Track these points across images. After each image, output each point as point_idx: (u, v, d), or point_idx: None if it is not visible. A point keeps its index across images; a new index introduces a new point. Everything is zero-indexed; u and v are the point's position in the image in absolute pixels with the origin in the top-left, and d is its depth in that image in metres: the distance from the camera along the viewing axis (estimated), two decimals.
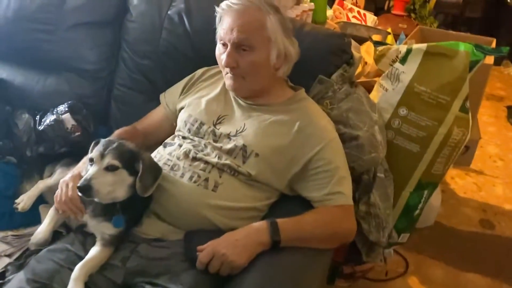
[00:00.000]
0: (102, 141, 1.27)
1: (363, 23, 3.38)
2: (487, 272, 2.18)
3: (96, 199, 1.22)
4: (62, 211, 1.28)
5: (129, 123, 1.58)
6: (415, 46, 1.58)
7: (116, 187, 1.22)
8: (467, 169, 2.98)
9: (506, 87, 4.38)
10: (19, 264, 1.25)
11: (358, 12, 3.50)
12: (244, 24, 1.31)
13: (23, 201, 1.41)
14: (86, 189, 1.16)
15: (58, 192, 1.29)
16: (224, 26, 1.33)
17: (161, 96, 1.61)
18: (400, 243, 1.77)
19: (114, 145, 1.24)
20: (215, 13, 1.39)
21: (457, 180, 2.90)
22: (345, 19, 3.39)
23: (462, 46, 1.53)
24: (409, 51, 1.58)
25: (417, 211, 1.71)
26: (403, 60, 1.59)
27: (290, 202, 1.39)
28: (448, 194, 2.73)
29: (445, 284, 2.11)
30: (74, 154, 1.55)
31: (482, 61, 1.57)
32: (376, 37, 2.57)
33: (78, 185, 1.18)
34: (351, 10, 3.51)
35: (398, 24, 3.99)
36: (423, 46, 1.56)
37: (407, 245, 2.22)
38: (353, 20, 3.42)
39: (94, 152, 1.23)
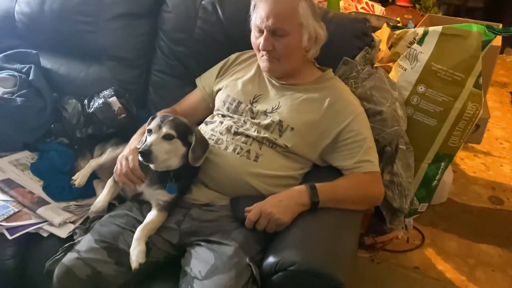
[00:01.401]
0: (159, 115, 1.41)
1: (372, 13, 3.51)
2: (498, 243, 2.32)
3: (153, 166, 1.36)
4: (123, 182, 1.41)
5: (166, 106, 1.71)
6: (431, 28, 1.71)
7: (171, 155, 1.36)
8: (475, 150, 3.13)
9: (509, 73, 4.53)
10: (85, 228, 1.38)
11: (366, 3, 3.63)
12: (279, 12, 1.44)
13: (79, 178, 1.55)
14: (147, 154, 1.30)
15: (117, 167, 1.43)
16: (260, 14, 1.47)
17: (197, 80, 1.74)
18: (420, 212, 1.91)
19: (170, 118, 1.38)
20: (251, 1, 1.53)
21: (467, 161, 3.04)
22: (354, 10, 3.52)
23: (475, 27, 1.67)
24: (426, 33, 1.72)
25: (435, 182, 1.85)
26: (421, 41, 1.73)
27: (321, 172, 1.52)
28: (459, 173, 2.88)
29: (459, 254, 2.25)
30: (120, 135, 1.69)
31: (492, 44, 1.71)
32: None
33: (140, 150, 1.32)
34: (359, 1, 3.63)
35: (403, 14, 4.11)
36: (439, 28, 1.70)
37: (422, 220, 2.37)
38: (362, 11, 3.56)
39: (152, 124, 1.38)
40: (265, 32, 1.45)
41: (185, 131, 1.38)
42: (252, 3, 1.52)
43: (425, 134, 1.75)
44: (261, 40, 1.46)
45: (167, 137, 1.34)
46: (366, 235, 2.09)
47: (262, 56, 1.51)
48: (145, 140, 1.38)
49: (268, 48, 1.46)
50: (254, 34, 1.52)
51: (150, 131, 1.37)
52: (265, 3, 1.46)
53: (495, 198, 2.70)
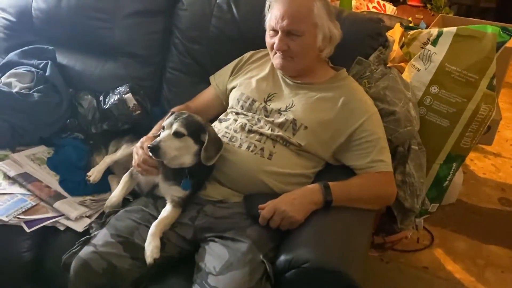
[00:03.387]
0: (176, 113, 1.42)
1: (383, 13, 3.51)
2: (507, 244, 2.33)
3: (164, 161, 1.38)
4: (144, 170, 1.43)
5: (179, 103, 1.73)
6: (446, 29, 1.72)
7: (182, 152, 1.38)
8: (485, 151, 3.12)
9: None
10: (101, 222, 1.40)
11: (378, 3, 3.63)
12: (293, 12, 1.45)
13: (94, 174, 1.57)
14: (155, 149, 1.32)
15: (134, 157, 1.45)
16: (275, 14, 1.48)
17: (211, 78, 1.75)
18: (431, 212, 1.91)
19: (184, 116, 1.40)
20: (266, 1, 1.54)
21: (477, 162, 3.04)
22: (365, 9, 3.52)
23: (490, 28, 1.67)
24: (440, 34, 1.72)
25: (447, 182, 1.85)
26: (435, 42, 1.73)
27: (334, 170, 1.53)
28: (469, 175, 2.87)
29: (468, 255, 2.26)
30: (134, 131, 1.71)
31: (506, 45, 1.71)
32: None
33: (148, 145, 1.34)
34: (371, 0, 3.64)
35: (415, 14, 4.10)
36: (453, 29, 1.70)
37: (431, 221, 2.38)
38: (373, 11, 3.55)
39: (166, 121, 1.40)
40: (279, 33, 1.46)
41: (197, 130, 1.39)
42: (267, 3, 1.53)
43: (437, 134, 1.76)
44: (275, 40, 1.47)
45: (177, 135, 1.36)
46: (375, 234, 2.10)
47: (276, 54, 1.52)
48: None
49: (283, 48, 1.47)
50: (268, 33, 1.53)
51: (163, 127, 1.39)
52: (280, 3, 1.47)
53: (505, 199, 2.70)
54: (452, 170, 1.83)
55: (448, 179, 1.84)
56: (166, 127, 1.38)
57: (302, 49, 1.48)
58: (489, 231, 2.42)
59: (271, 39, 1.51)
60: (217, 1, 1.82)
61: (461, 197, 2.65)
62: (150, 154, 1.34)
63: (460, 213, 2.54)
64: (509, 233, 2.42)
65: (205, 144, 1.38)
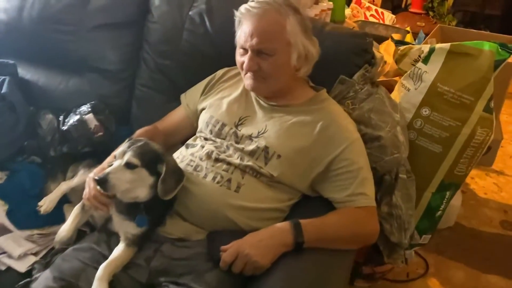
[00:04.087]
0: (132, 139, 1.29)
1: (381, 22, 3.36)
2: (509, 274, 2.16)
3: (117, 195, 1.24)
4: (94, 206, 1.30)
5: (150, 123, 1.60)
6: (438, 45, 1.56)
7: (135, 185, 1.24)
8: (487, 169, 2.95)
9: None
10: (46, 262, 1.27)
11: (376, 11, 3.48)
12: (263, 30, 1.30)
13: (45, 204, 1.43)
14: (103, 182, 1.19)
15: (86, 189, 1.32)
16: (244, 31, 1.33)
17: (182, 96, 1.62)
18: (422, 244, 1.76)
19: (138, 144, 1.25)
20: (234, 17, 1.39)
21: (477, 181, 2.87)
22: (362, 18, 3.37)
23: (487, 45, 1.52)
24: (432, 51, 1.57)
25: (439, 212, 1.70)
26: (426, 60, 1.58)
27: (312, 202, 1.39)
28: (469, 194, 2.71)
29: (465, 286, 2.09)
30: (96, 154, 1.57)
31: (507, 61, 1.55)
32: (395, 36, 2.55)
33: (96, 178, 1.20)
34: (368, 8, 3.49)
35: (416, 22, 3.95)
36: (447, 45, 1.55)
37: (427, 246, 2.20)
38: (371, 19, 3.40)
39: (119, 149, 1.25)
40: (249, 52, 1.32)
41: (153, 159, 1.25)
42: (237, 18, 1.39)
43: (429, 161, 1.61)
44: (245, 59, 1.33)
45: (129, 166, 1.22)
46: (364, 264, 1.95)
47: (247, 74, 1.37)
48: None
49: (253, 68, 1.33)
50: (238, 51, 1.38)
51: (115, 156, 1.24)
52: (249, 19, 1.32)
53: (507, 223, 2.53)
54: (446, 199, 1.68)
55: (441, 209, 1.69)
56: (118, 157, 1.24)
57: (274, 69, 1.33)
58: (490, 259, 2.25)
59: (241, 58, 1.37)
60: (189, 13, 1.68)
61: (460, 219, 2.48)
62: (98, 187, 1.20)
63: (458, 238, 2.37)
64: (510, 261, 2.25)
65: (162, 176, 1.23)
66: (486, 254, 2.28)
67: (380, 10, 3.48)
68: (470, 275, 2.15)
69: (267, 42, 1.30)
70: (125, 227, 1.27)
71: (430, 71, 1.56)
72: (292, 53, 1.33)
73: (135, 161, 1.22)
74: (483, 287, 2.09)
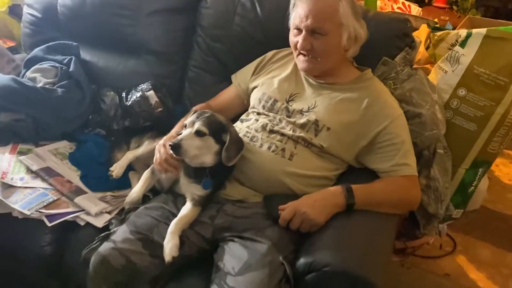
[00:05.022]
0: (198, 111, 1.41)
1: (409, 13, 3.45)
2: None
3: (185, 159, 1.37)
4: (164, 169, 1.42)
5: (201, 102, 1.71)
6: (475, 30, 1.67)
7: (203, 151, 1.37)
8: (511, 157, 3.03)
9: None
10: (121, 218, 1.40)
11: (403, 3, 3.57)
12: (318, 11, 1.42)
13: (116, 169, 1.57)
14: (176, 147, 1.32)
15: (156, 155, 1.45)
16: (299, 13, 1.45)
17: (233, 77, 1.74)
18: (454, 218, 1.87)
19: (206, 115, 1.39)
20: (290, 1, 1.51)
21: (502, 168, 2.96)
22: (390, 10, 3.47)
23: None
24: (469, 35, 1.67)
25: (472, 188, 1.80)
26: (463, 44, 1.68)
27: (357, 173, 1.50)
28: (494, 180, 2.79)
29: (492, 263, 2.19)
30: (156, 128, 1.71)
31: None
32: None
33: (170, 143, 1.34)
34: (396, 1, 3.58)
35: (440, 16, 4.02)
36: (483, 30, 1.65)
37: (454, 227, 2.31)
38: (398, 11, 3.50)
39: (188, 119, 1.39)
40: (303, 32, 1.44)
41: (219, 129, 1.38)
42: (292, 1, 1.51)
43: (464, 138, 1.71)
44: (299, 39, 1.45)
45: (199, 133, 1.35)
46: (397, 239, 2.05)
47: (299, 55, 1.49)
48: None
49: (307, 47, 1.45)
50: (292, 32, 1.50)
51: (185, 126, 1.38)
52: (305, 2, 1.44)
53: None
54: (478, 176, 1.78)
55: (473, 184, 1.79)
56: (188, 126, 1.37)
57: (326, 48, 1.45)
58: None
59: (295, 38, 1.49)
60: None
61: (486, 203, 2.57)
62: (171, 152, 1.33)
63: (484, 220, 2.47)
64: None
65: (226, 144, 1.36)
66: (511, 235, 2.38)
67: (407, 3, 3.57)
68: (496, 253, 2.25)
69: (321, 22, 1.41)
70: (192, 189, 1.40)
71: (467, 54, 1.67)
72: (343, 34, 1.45)
73: (204, 129, 1.35)
74: (509, 264, 2.18)
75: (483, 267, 2.15)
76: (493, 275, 2.11)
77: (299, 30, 1.46)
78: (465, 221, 2.39)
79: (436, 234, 1.78)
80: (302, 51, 1.47)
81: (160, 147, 1.45)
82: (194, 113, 1.44)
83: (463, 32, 1.69)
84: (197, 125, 1.35)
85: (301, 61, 1.50)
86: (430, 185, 1.62)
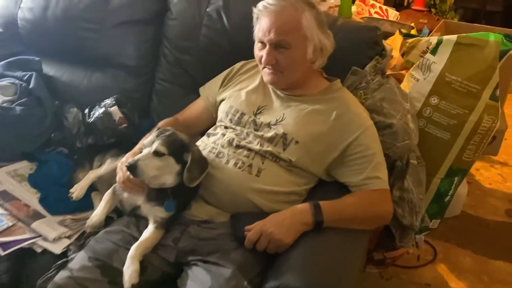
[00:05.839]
0: (160, 129, 1.36)
1: (386, 19, 3.43)
2: None
3: (145, 181, 1.32)
4: (127, 189, 1.37)
5: (169, 115, 1.67)
6: (446, 37, 1.64)
7: (163, 172, 1.31)
8: (492, 160, 3.02)
9: None
10: (80, 244, 1.34)
11: (380, 8, 3.55)
12: (281, 25, 1.37)
13: (77, 191, 1.50)
14: (133, 168, 1.26)
15: (118, 174, 1.39)
16: (262, 27, 1.40)
17: (201, 89, 1.69)
18: (431, 228, 1.83)
19: (166, 133, 1.33)
20: (252, 14, 1.47)
21: (482, 172, 2.94)
22: (367, 15, 3.44)
23: (492, 36, 1.59)
24: (440, 42, 1.64)
25: (448, 197, 1.77)
26: (434, 51, 1.65)
27: (327, 187, 1.46)
28: (474, 185, 2.77)
29: (473, 271, 2.16)
30: (120, 145, 1.64)
31: (510, 52, 1.62)
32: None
33: (126, 164, 1.28)
34: (373, 6, 3.56)
35: (419, 19, 4.01)
36: (454, 37, 1.62)
37: (434, 234, 2.28)
38: (375, 16, 3.47)
39: (148, 138, 1.33)
40: (267, 46, 1.39)
41: (180, 149, 1.32)
42: (255, 14, 1.46)
43: (438, 147, 1.67)
44: (263, 53, 1.40)
45: (157, 153, 1.29)
46: (375, 250, 2.01)
47: (264, 68, 1.45)
48: None
49: (271, 62, 1.40)
50: (257, 46, 1.46)
51: (144, 145, 1.32)
52: (267, 15, 1.39)
53: None
54: (454, 185, 1.75)
55: (449, 194, 1.76)
56: (147, 145, 1.32)
57: (291, 62, 1.40)
58: (496, 246, 2.32)
59: (259, 52, 1.44)
60: (207, 10, 1.75)
61: (466, 209, 2.55)
62: (128, 173, 1.28)
63: (464, 226, 2.44)
64: None
65: (188, 165, 1.31)
66: (492, 241, 2.35)
67: (384, 7, 3.55)
68: (477, 261, 2.22)
69: (284, 35, 1.37)
70: (154, 211, 1.34)
71: (438, 62, 1.63)
72: (308, 46, 1.40)
73: (163, 149, 1.29)
74: (491, 272, 2.15)
75: (464, 276, 2.12)
76: (474, 283, 2.08)
77: (263, 44, 1.41)
78: (446, 228, 2.37)
79: (413, 246, 1.73)
80: (266, 66, 1.43)
81: (122, 165, 1.39)
82: (157, 130, 1.39)
83: (433, 39, 1.66)
84: (155, 145, 1.30)
85: (266, 75, 1.45)
86: (404, 196, 1.57)
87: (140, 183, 1.35)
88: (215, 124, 1.59)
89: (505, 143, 3.15)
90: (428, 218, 1.77)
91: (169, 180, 1.32)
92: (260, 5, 1.43)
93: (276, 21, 1.37)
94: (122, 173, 1.38)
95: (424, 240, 2.22)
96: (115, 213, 1.48)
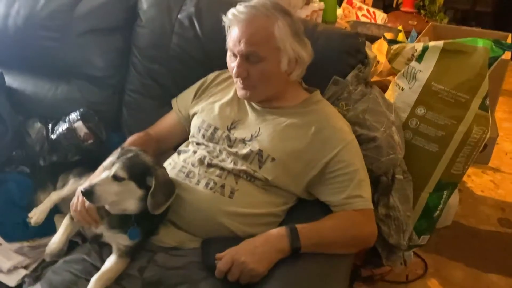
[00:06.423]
0: (122, 149, 1.25)
1: (373, 21, 3.35)
2: (508, 272, 2.13)
3: (105, 207, 1.21)
4: (77, 220, 1.26)
5: (141, 129, 1.56)
6: (432, 43, 1.54)
7: (123, 197, 1.20)
8: (483, 167, 2.93)
9: None
10: (36, 275, 1.23)
11: (367, 10, 3.46)
12: (251, 35, 1.27)
13: (36, 215, 1.39)
14: (89, 193, 1.15)
15: (74, 200, 1.27)
16: (232, 37, 1.30)
17: (173, 102, 1.58)
18: (420, 245, 1.74)
19: (128, 155, 1.22)
20: (223, 22, 1.36)
21: (474, 179, 2.85)
22: (354, 18, 3.36)
23: (481, 42, 1.50)
24: (425, 49, 1.54)
25: (437, 212, 1.68)
26: (420, 58, 1.56)
27: (308, 206, 1.36)
28: (466, 193, 2.68)
29: (466, 285, 2.07)
30: (86, 163, 1.53)
31: (501, 57, 1.53)
32: (387, 35, 2.53)
33: (81, 189, 1.17)
34: (360, 8, 3.48)
35: (407, 21, 3.93)
36: (440, 43, 1.53)
37: (425, 247, 2.17)
38: (363, 19, 3.39)
39: (108, 158, 1.22)
40: (238, 57, 1.29)
41: (142, 172, 1.21)
42: (226, 23, 1.35)
43: (425, 160, 1.58)
44: (234, 64, 1.30)
45: (116, 178, 1.18)
46: (362, 267, 1.92)
47: (237, 82, 1.34)
48: None
49: (242, 74, 1.29)
50: (229, 56, 1.35)
51: (104, 167, 1.21)
52: (237, 25, 1.29)
53: (505, 220, 2.51)
54: (443, 199, 1.66)
55: (438, 208, 1.67)
56: (106, 168, 1.20)
57: (263, 75, 1.30)
58: (489, 257, 2.23)
59: (231, 63, 1.33)
60: (178, 17, 1.64)
61: (458, 218, 2.46)
62: (83, 198, 1.17)
63: (456, 237, 2.35)
64: (510, 259, 2.23)
65: (151, 190, 1.20)
66: (485, 253, 2.26)
67: (371, 9, 3.47)
68: (469, 274, 2.13)
69: (255, 46, 1.26)
70: (117, 239, 1.23)
71: (424, 70, 1.54)
72: (282, 58, 1.29)
73: (122, 173, 1.18)
74: (483, 286, 2.07)
75: None
76: None
77: (234, 55, 1.31)
78: (436, 240, 2.27)
79: (401, 264, 1.64)
80: (238, 79, 1.32)
81: (79, 191, 1.27)
82: (120, 149, 1.28)
83: (419, 46, 1.56)
84: (114, 168, 1.18)
85: (239, 89, 1.35)
86: (390, 214, 1.49)
87: (95, 216, 1.23)
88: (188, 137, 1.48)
89: (497, 148, 3.08)
90: (417, 234, 1.68)
91: (131, 206, 1.21)
92: (229, 13, 1.32)
93: (246, 31, 1.26)
94: (77, 201, 1.26)
95: (415, 253, 2.13)
96: (80, 237, 1.37)
